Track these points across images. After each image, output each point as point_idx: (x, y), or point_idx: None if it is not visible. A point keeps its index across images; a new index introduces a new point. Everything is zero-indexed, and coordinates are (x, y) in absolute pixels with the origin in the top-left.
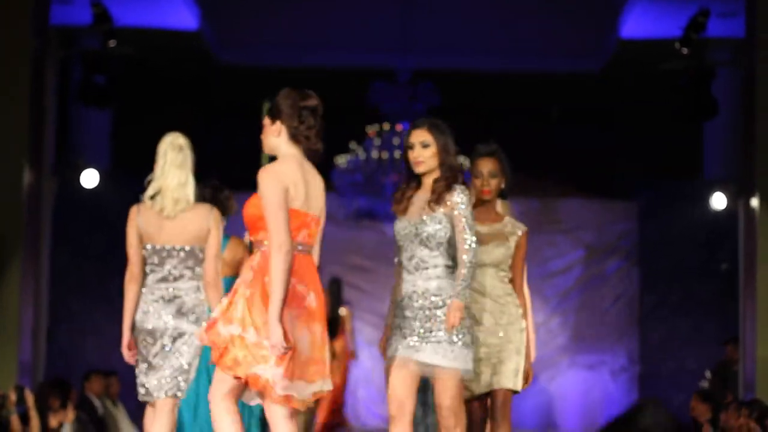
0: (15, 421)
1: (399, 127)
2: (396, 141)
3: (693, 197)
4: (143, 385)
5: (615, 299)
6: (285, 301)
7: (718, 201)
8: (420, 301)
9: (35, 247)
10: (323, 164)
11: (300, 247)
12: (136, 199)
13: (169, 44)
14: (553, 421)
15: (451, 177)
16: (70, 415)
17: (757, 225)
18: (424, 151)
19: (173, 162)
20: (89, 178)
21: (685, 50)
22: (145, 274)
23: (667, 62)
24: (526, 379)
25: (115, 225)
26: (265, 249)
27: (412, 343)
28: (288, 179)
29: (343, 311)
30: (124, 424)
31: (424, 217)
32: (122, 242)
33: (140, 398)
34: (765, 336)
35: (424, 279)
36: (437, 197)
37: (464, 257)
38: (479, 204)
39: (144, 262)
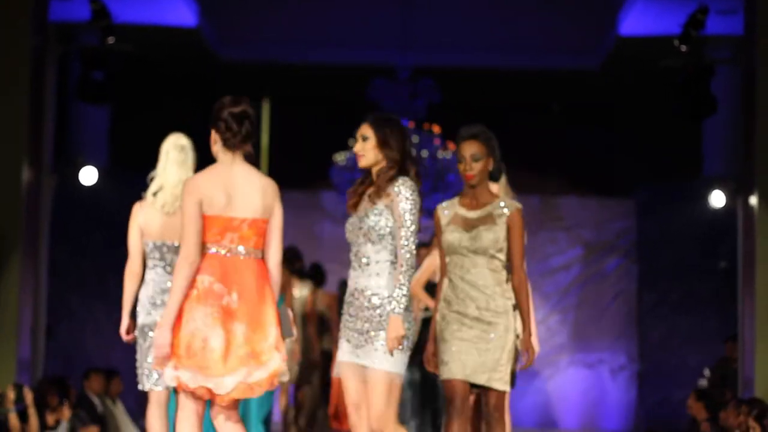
0: (13, 419)
1: None
2: None
3: (692, 195)
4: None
5: (614, 297)
6: (178, 310)
7: (717, 199)
8: (360, 299)
9: (34, 244)
10: (322, 161)
11: (224, 251)
12: (136, 196)
13: (168, 41)
14: (551, 419)
15: (394, 169)
16: (66, 412)
17: (755, 223)
18: (364, 144)
19: (175, 160)
20: (88, 176)
21: (684, 47)
22: (146, 269)
23: (666, 60)
24: (512, 375)
25: (114, 222)
26: (206, 252)
27: (352, 348)
28: (202, 190)
29: None
30: (123, 423)
31: (367, 210)
32: (121, 240)
33: (149, 386)
34: (764, 334)
35: (367, 276)
36: (377, 189)
37: (401, 253)
38: (468, 190)
39: (144, 257)
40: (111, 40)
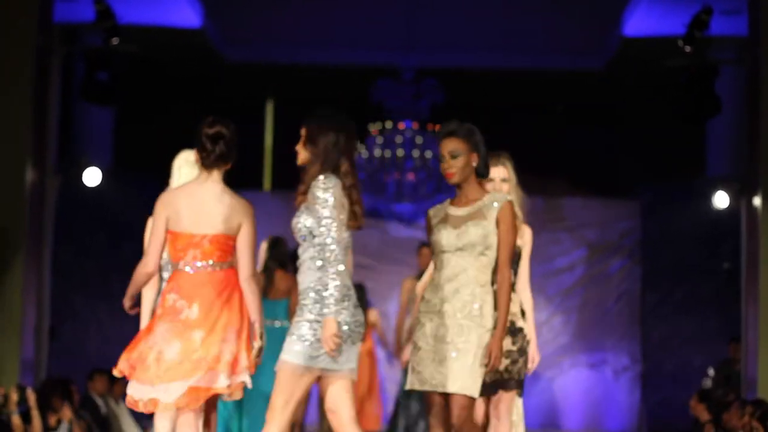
0: (16, 419)
1: (401, 126)
2: (398, 139)
3: (696, 195)
4: None
5: (617, 297)
6: (131, 295)
7: (721, 199)
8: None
9: (38, 245)
10: None
11: (189, 267)
12: (139, 197)
13: (173, 42)
14: (555, 419)
15: (315, 166)
16: (67, 413)
17: (759, 224)
18: (301, 142)
19: (187, 176)
20: (92, 177)
21: (688, 48)
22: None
23: (670, 60)
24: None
25: (118, 223)
26: (175, 270)
27: None
28: (169, 206)
29: (372, 315)
30: (126, 423)
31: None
32: (124, 240)
33: None
34: (767, 335)
35: (300, 275)
36: (303, 189)
37: (324, 253)
38: (457, 189)
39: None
40: (115, 40)
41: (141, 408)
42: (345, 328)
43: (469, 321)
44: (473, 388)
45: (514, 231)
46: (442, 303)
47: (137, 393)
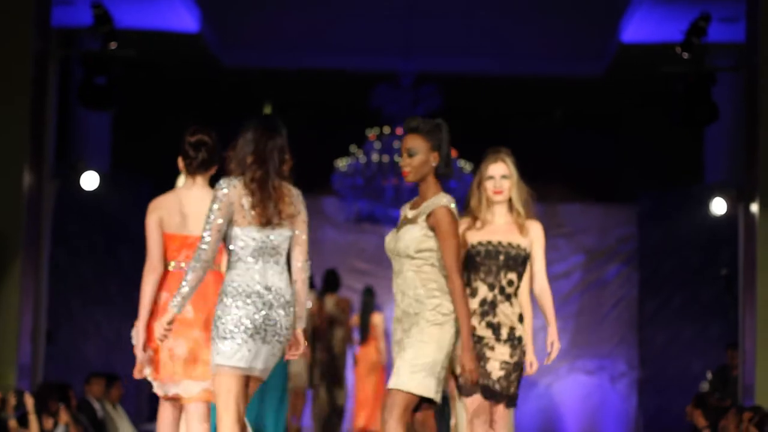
0: (13, 423)
1: (399, 131)
2: (396, 144)
3: (693, 202)
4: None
5: (615, 304)
6: (150, 314)
7: (719, 206)
8: None
9: (35, 249)
10: (324, 168)
11: (181, 267)
12: (136, 200)
13: (170, 46)
14: (552, 426)
15: (229, 168)
16: (63, 416)
17: (756, 230)
18: None
19: None
20: (89, 180)
21: (686, 55)
22: None
23: (668, 67)
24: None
25: (115, 227)
26: (167, 270)
27: None
28: (161, 208)
29: (376, 318)
30: (124, 427)
31: None
32: (121, 244)
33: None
34: (765, 341)
35: None
36: None
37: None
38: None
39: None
40: (113, 45)
41: (171, 399)
42: (249, 323)
43: (412, 319)
44: (409, 384)
45: (454, 237)
46: (397, 307)
47: (161, 390)
